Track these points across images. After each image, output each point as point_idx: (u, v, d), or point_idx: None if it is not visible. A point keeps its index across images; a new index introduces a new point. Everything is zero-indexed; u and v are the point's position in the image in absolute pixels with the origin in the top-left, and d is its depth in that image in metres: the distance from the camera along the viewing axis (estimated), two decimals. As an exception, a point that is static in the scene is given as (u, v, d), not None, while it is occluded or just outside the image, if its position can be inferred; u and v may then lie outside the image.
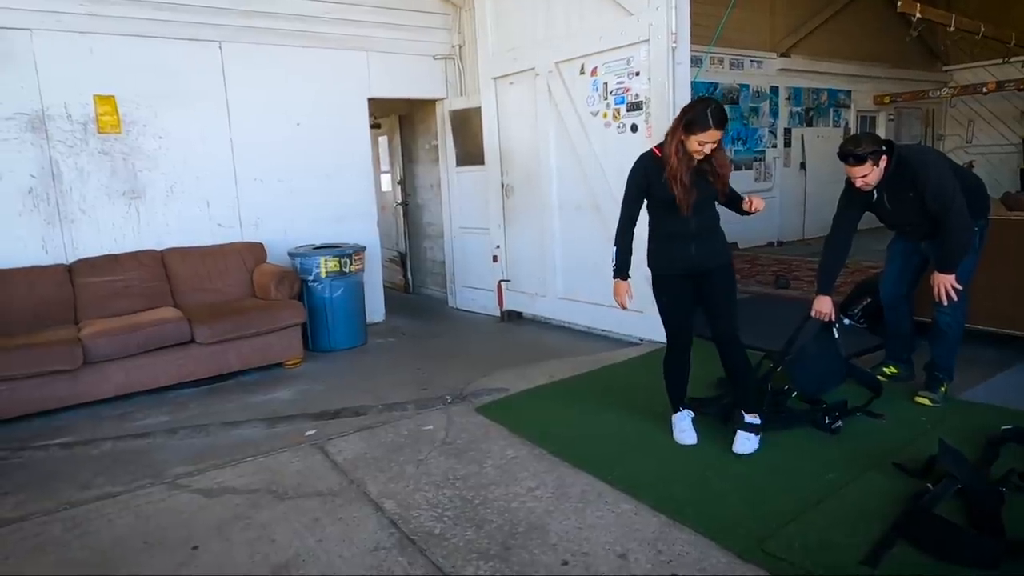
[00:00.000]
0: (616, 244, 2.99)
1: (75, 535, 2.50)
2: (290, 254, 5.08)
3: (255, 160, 5.17)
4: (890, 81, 10.28)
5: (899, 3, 6.18)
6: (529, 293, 5.55)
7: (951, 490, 2.35)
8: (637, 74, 4.40)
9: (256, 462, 3.08)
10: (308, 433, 3.40)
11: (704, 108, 2.69)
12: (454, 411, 3.59)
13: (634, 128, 4.48)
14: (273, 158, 5.24)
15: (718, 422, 3.12)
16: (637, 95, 4.42)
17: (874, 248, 7.24)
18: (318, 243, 5.26)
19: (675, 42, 4.17)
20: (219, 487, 2.84)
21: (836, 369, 3.36)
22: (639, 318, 4.66)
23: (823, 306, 3.31)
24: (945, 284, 3.11)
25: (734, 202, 2.94)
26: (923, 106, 10.99)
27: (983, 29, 6.91)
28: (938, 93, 9.99)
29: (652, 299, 4.49)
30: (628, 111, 4.50)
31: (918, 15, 6.08)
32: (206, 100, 4.93)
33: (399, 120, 7.16)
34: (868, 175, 3.11)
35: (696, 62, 7.38)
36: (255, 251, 5.03)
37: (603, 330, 4.98)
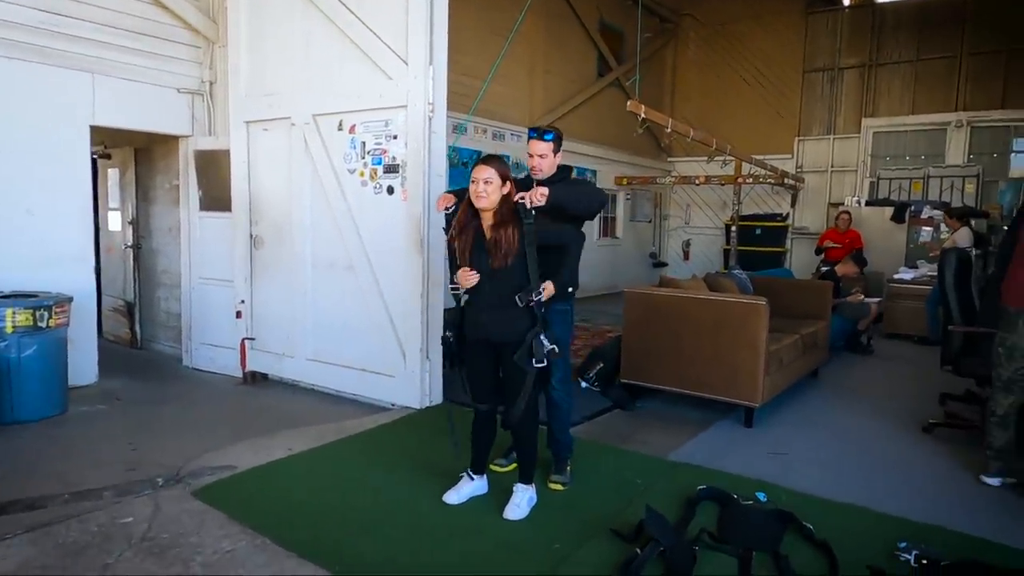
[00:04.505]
0: None
1: None
2: (-37, 304, 4.11)
3: (-79, 184, 4.16)
4: (628, 165, 11.78)
5: (628, 103, 7.10)
6: (276, 353, 5.14)
7: (655, 553, 2.55)
8: (395, 137, 4.40)
9: None
10: (-46, 538, 2.68)
11: None
12: (165, 497, 3.09)
13: (390, 190, 4.45)
14: (-51, 184, 4.28)
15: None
16: (394, 158, 4.41)
17: (611, 312, 8.02)
18: (7, 291, 4.34)
19: (432, 111, 4.26)
20: None
21: None
22: (391, 382, 4.57)
23: None
24: (537, 193, 2.88)
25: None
26: (653, 190, 12.76)
27: (692, 133, 8.24)
28: (663, 180, 11.66)
29: (404, 364, 4.50)
30: (385, 172, 4.46)
31: (642, 115, 7.04)
32: None
33: (135, 153, 6.34)
34: (545, 158, 3.16)
35: (460, 129, 7.74)
36: (-91, 298, 3.99)
37: (354, 394, 4.76)
